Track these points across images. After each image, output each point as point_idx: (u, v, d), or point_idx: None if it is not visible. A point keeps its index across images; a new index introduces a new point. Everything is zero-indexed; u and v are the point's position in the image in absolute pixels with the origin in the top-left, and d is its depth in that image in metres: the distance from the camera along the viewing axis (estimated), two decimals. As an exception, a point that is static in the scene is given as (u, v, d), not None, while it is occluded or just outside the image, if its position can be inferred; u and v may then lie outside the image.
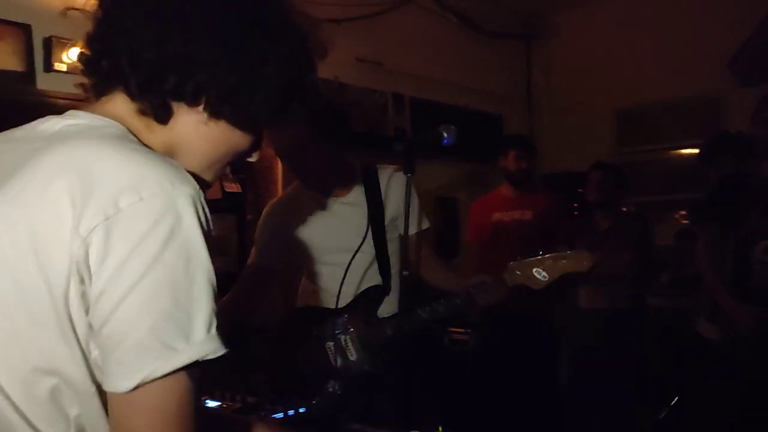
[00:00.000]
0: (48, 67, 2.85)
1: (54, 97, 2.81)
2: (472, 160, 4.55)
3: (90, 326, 0.71)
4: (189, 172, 0.76)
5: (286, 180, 3.47)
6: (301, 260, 2.08)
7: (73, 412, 0.74)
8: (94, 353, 0.72)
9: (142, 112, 0.82)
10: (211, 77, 0.80)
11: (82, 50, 0.85)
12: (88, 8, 0.83)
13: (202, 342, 0.70)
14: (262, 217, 2.17)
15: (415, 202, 1.91)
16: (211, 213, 0.75)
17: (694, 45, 4.45)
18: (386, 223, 2.00)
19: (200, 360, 0.70)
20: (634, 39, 4.77)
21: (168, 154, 0.82)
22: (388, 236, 2.01)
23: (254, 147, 0.91)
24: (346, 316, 1.96)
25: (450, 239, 4.58)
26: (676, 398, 2.97)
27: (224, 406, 1.51)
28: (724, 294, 2.71)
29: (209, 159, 0.87)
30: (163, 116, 0.82)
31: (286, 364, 2.01)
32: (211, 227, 0.75)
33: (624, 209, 3.92)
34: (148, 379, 0.67)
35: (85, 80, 0.86)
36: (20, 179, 0.73)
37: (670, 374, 3.45)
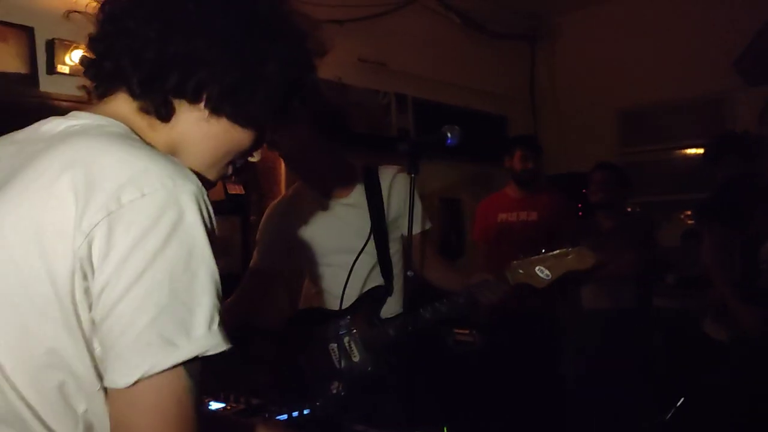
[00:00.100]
0: (51, 70, 2.86)
1: (57, 99, 2.81)
2: (475, 161, 4.54)
3: (93, 322, 0.71)
4: (192, 170, 0.77)
5: (289, 181, 3.46)
6: (302, 262, 2.08)
7: (81, 408, 0.75)
8: (98, 349, 0.72)
9: (145, 111, 0.83)
10: (212, 74, 0.81)
11: (85, 53, 0.87)
12: (90, 10, 0.85)
13: (202, 337, 0.70)
14: (263, 219, 2.17)
15: (418, 203, 1.91)
16: (214, 214, 0.76)
17: (699, 44, 4.43)
18: (388, 223, 1.99)
19: (201, 356, 0.70)
20: (637, 39, 4.76)
21: (170, 153, 0.83)
22: (391, 237, 2.00)
23: (255, 146, 0.92)
24: (348, 317, 1.95)
25: (454, 240, 4.57)
26: (682, 399, 2.96)
27: (228, 407, 1.51)
28: (731, 295, 2.70)
29: (211, 157, 0.88)
30: (165, 114, 0.83)
31: (289, 366, 2.01)
32: (215, 224, 0.75)
33: (629, 209, 3.91)
34: (147, 375, 0.67)
35: (87, 82, 0.87)
36: (24, 178, 0.74)
37: (675, 375, 3.43)
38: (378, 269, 1.98)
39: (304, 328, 2.04)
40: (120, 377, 0.68)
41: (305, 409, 1.49)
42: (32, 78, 2.84)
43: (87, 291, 0.70)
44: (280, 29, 0.86)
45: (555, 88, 5.36)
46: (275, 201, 2.23)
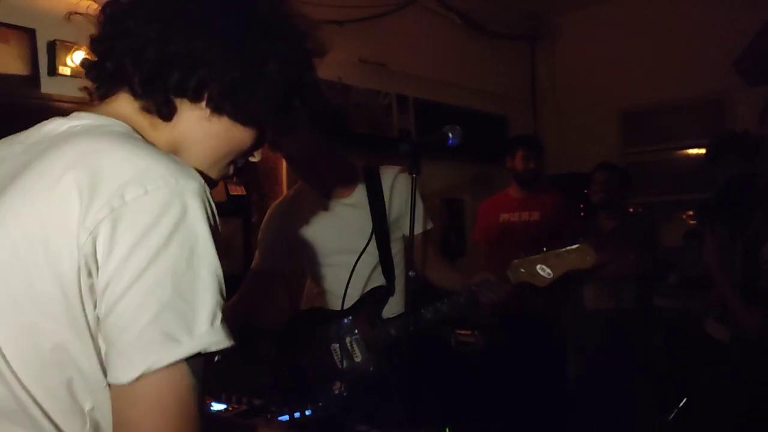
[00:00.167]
0: (52, 71, 2.86)
1: (58, 101, 2.82)
2: (476, 161, 4.54)
3: (98, 319, 0.71)
4: (194, 168, 0.77)
5: (290, 181, 3.46)
6: (304, 262, 2.08)
7: (87, 406, 0.75)
8: (103, 346, 0.73)
9: (146, 110, 0.84)
10: (213, 73, 0.82)
11: (86, 54, 0.88)
12: (91, 12, 0.87)
13: (205, 334, 0.70)
14: (264, 219, 2.17)
15: (419, 203, 1.91)
16: None
17: (699, 44, 4.43)
18: (390, 223, 1.99)
19: (203, 352, 0.70)
20: (638, 39, 4.76)
21: (172, 152, 0.83)
22: (393, 237, 2.00)
23: (256, 145, 0.92)
24: (350, 317, 1.95)
25: (454, 240, 4.57)
26: (685, 399, 2.96)
27: (230, 408, 1.51)
28: (733, 296, 2.69)
29: (213, 156, 0.89)
30: (166, 113, 0.84)
31: (291, 367, 2.01)
32: (218, 221, 0.75)
33: (630, 210, 3.91)
34: (149, 371, 0.67)
35: (89, 84, 0.88)
36: (28, 178, 0.75)
37: (677, 375, 3.43)
38: (380, 269, 1.98)
39: (305, 329, 2.04)
40: (122, 373, 0.68)
41: (308, 409, 1.49)
42: (33, 79, 2.84)
43: (92, 288, 0.70)
44: (280, 29, 0.86)
45: (555, 88, 5.36)
46: (277, 201, 2.23)
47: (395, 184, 2.00)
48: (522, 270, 1.86)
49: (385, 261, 1.98)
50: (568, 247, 1.82)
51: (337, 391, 1.89)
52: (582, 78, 5.08)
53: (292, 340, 2.06)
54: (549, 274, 1.83)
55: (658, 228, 3.80)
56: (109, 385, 0.71)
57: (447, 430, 1.45)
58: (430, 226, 2.08)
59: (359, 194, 2.00)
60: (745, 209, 2.76)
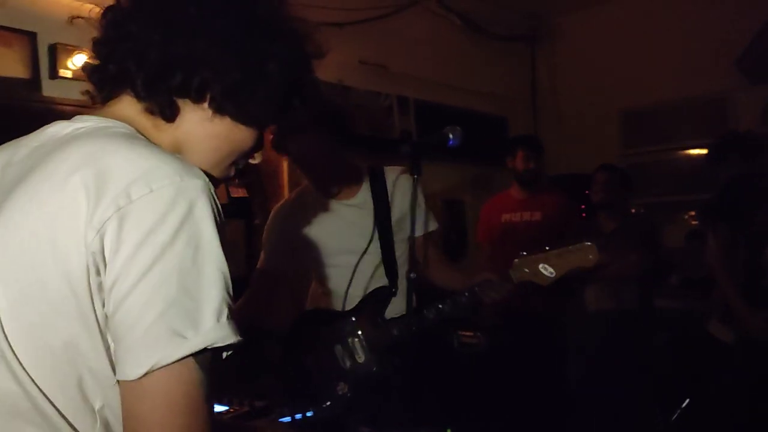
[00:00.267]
0: (53, 74, 2.87)
1: (60, 104, 2.82)
2: (476, 162, 4.54)
3: (107, 317, 0.72)
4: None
5: (292, 184, 3.47)
6: (308, 263, 2.08)
7: (98, 404, 0.76)
8: (112, 344, 0.73)
9: (150, 112, 0.85)
10: (215, 74, 0.83)
11: (89, 58, 0.88)
12: (92, 16, 0.87)
13: (211, 330, 0.70)
14: (268, 221, 2.17)
15: (421, 204, 1.91)
16: None
17: (700, 44, 4.42)
18: (393, 223, 1.99)
19: (210, 348, 0.71)
20: (639, 39, 4.75)
21: (176, 153, 0.84)
22: (397, 238, 2.00)
23: (257, 146, 0.93)
24: (353, 318, 1.95)
25: (456, 241, 4.57)
26: (687, 400, 2.95)
27: (231, 410, 1.51)
28: (736, 296, 2.69)
29: (215, 156, 0.89)
30: (169, 114, 0.85)
31: (294, 368, 2.01)
32: (223, 219, 0.76)
33: (632, 210, 3.91)
34: (156, 367, 0.68)
35: (90, 87, 0.89)
36: (35, 180, 0.76)
37: (680, 376, 3.42)
38: (382, 269, 1.98)
39: (309, 329, 2.04)
40: (130, 370, 0.69)
41: (310, 410, 1.49)
42: (35, 83, 2.85)
43: (100, 286, 0.71)
44: (280, 30, 0.88)
45: (555, 88, 5.36)
46: (280, 203, 2.24)
47: (397, 184, 2.01)
48: (525, 269, 1.86)
49: (388, 261, 1.98)
50: (571, 246, 1.82)
51: (341, 392, 1.89)
52: (582, 78, 5.07)
53: (297, 340, 2.06)
54: (552, 273, 1.83)
55: (660, 229, 3.80)
56: (118, 381, 0.72)
57: (448, 431, 1.45)
58: (433, 227, 2.08)
59: (363, 195, 2.01)
60: (747, 209, 2.75)
